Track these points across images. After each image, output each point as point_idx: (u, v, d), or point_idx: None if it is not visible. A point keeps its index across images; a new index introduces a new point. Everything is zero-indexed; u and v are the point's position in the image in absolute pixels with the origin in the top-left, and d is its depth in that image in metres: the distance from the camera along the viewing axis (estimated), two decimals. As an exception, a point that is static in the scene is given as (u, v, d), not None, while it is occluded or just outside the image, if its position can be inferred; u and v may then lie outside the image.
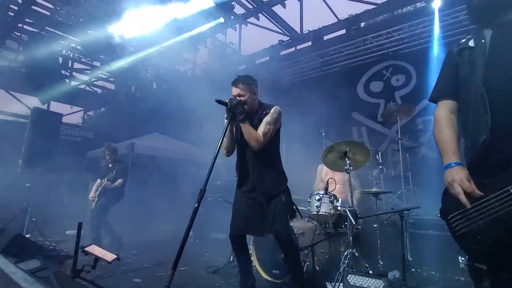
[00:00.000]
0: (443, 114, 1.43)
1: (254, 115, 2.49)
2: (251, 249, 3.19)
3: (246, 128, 2.34)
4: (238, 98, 2.39)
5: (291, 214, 2.57)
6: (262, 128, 2.38)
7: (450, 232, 1.33)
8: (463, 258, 2.95)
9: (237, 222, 2.50)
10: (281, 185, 2.56)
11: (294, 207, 2.62)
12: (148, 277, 3.25)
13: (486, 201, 1.18)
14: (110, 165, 4.96)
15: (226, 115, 2.35)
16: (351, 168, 3.26)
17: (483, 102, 1.25)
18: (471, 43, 1.37)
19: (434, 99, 1.50)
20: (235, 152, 2.61)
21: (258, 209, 2.45)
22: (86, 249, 2.76)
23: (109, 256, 2.73)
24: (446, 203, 1.35)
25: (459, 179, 1.24)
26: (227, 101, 2.30)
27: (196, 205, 1.95)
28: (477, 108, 1.27)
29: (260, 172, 2.47)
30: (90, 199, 4.79)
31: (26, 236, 4.22)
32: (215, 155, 2.13)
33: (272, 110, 2.45)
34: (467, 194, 1.21)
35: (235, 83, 2.45)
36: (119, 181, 4.78)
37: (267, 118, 2.41)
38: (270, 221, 2.41)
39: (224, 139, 2.35)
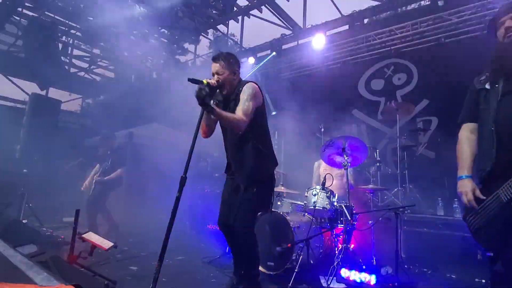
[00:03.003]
0: (464, 135, 1.80)
1: (231, 96, 2.32)
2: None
3: (218, 111, 2.09)
4: (216, 78, 2.22)
5: (260, 207, 2.41)
6: (240, 107, 2.17)
7: (469, 230, 1.70)
8: (479, 251, 3.10)
9: (221, 210, 2.44)
10: (266, 170, 2.36)
11: (272, 200, 2.46)
12: (144, 265, 3.28)
13: (484, 205, 1.58)
14: (108, 152, 4.94)
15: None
16: (349, 163, 3.28)
17: (491, 137, 1.58)
18: (487, 86, 1.68)
19: (459, 123, 1.87)
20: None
21: (236, 196, 2.32)
22: (83, 235, 2.78)
23: (106, 244, 2.76)
24: (465, 208, 1.72)
25: (465, 191, 1.65)
26: (203, 80, 2.08)
27: (177, 194, 1.87)
28: (488, 140, 1.61)
29: (241, 156, 2.31)
30: (85, 185, 4.79)
31: (23, 221, 4.24)
32: (193, 141, 2.01)
33: (244, 88, 2.26)
34: (475, 198, 1.60)
35: (215, 59, 2.27)
36: (119, 171, 4.77)
37: (242, 96, 2.22)
38: (235, 209, 2.25)
39: (202, 121, 2.18)
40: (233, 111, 2.22)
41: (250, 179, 2.27)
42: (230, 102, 2.32)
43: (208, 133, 2.40)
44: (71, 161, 5.97)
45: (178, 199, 1.87)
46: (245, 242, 2.27)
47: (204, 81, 2.06)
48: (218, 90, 2.26)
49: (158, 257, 1.81)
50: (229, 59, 2.30)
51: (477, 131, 1.74)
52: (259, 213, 2.56)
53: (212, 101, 2.14)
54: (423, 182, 4.67)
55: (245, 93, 2.23)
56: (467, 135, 1.78)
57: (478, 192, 1.60)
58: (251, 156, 2.28)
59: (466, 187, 1.64)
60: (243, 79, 2.44)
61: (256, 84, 2.33)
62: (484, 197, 1.57)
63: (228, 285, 2.47)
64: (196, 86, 2.04)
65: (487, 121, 1.62)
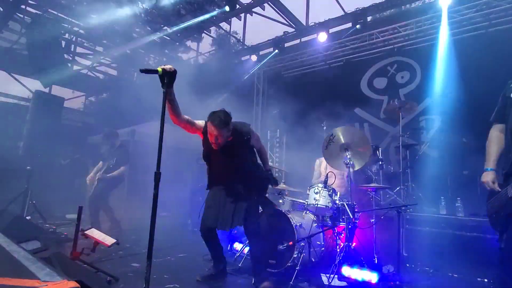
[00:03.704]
0: (493, 133, 2.12)
1: (236, 138, 2.67)
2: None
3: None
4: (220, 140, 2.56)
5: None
6: (258, 143, 2.91)
7: (487, 215, 2.07)
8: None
9: (209, 214, 2.81)
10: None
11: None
12: (146, 262, 3.29)
13: (498, 196, 1.95)
14: (111, 150, 4.95)
15: (161, 84, 2.01)
16: (351, 162, 3.27)
17: (510, 141, 1.95)
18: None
19: (490, 121, 2.16)
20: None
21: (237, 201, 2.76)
22: (86, 232, 2.80)
23: (108, 240, 2.77)
24: (487, 196, 2.07)
25: (486, 181, 2.02)
26: (157, 68, 1.99)
27: (154, 191, 1.82)
28: (508, 143, 1.98)
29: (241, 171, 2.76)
30: (89, 180, 4.81)
31: (27, 218, 4.27)
32: (160, 130, 2.01)
33: (255, 134, 2.85)
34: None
35: (220, 126, 2.48)
36: (122, 168, 4.79)
37: (258, 141, 2.90)
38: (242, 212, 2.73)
39: (167, 107, 2.28)
40: (237, 149, 2.68)
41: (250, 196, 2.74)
42: (235, 142, 2.68)
43: (177, 118, 2.49)
44: (68, 157, 5.99)
45: (155, 197, 1.81)
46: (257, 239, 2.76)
47: (159, 69, 1.98)
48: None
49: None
50: (228, 127, 2.54)
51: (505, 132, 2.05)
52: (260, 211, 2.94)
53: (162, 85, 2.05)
54: (425, 181, 4.65)
55: (257, 137, 2.88)
56: (496, 134, 2.09)
57: (495, 185, 1.97)
58: (248, 177, 2.78)
59: (488, 177, 2.00)
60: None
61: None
62: (499, 190, 1.94)
63: None
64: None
65: (509, 125, 1.97)
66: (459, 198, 3.77)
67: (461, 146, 4.53)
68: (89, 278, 2.23)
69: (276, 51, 7.34)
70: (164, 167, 1.85)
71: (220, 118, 2.48)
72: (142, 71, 1.96)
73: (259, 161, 2.98)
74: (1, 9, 6.38)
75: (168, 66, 2.02)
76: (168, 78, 1.98)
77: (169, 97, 2.20)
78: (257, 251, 2.77)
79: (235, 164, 2.72)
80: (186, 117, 2.57)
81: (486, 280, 3.04)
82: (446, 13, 5.17)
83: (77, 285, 1.15)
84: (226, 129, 2.53)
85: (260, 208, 2.97)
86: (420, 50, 5.80)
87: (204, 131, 2.63)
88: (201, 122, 2.68)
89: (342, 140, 3.37)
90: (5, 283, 1.15)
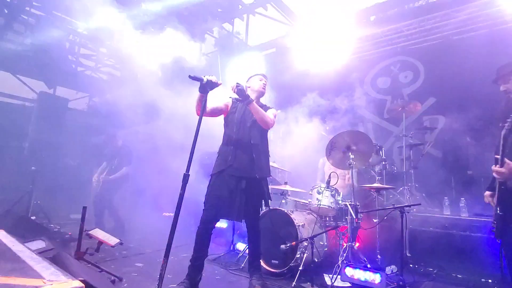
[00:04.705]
0: None
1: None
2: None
3: (256, 108, 2.58)
4: (261, 89, 2.90)
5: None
6: (270, 115, 2.75)
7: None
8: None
9: (218, 204, 2.72)
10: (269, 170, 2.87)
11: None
12: (149, 262, 3.32)
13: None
14: (114, 151, 5.00)
15: (201, 89, 2.38)
16: (354, 162, 3.26)
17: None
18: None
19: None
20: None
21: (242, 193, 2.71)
22: (90, 232, 2.82)
23: (112, 240, 2.79)
24: None
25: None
26: (203, 76, 2.36)
27: (180, 191, 1.93)
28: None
29: (255, 154, 2.69)
30: (94, 181, 4.85)
31: (32, 218, 4.31)
32: (195, 138, 2.11)
33: (272, 108, 2.92)
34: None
35: (265, 77, 3.01)
36: (124, 169, 4.83)
37: (271, 111, 2.85)
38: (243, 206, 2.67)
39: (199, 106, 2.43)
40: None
41: (262, 175, 2.68)
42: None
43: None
44: (77, 158, 6.03)
45: (181, 196, 1.91)
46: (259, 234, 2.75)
47: (204, 78, 2.32)
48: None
49: (163, 254, 1.83)
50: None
51: None
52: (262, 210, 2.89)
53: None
54: (429, 181, 4.63)
55: (272, 111, 2.85)
56: None
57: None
58: (263, 156, 2.76)
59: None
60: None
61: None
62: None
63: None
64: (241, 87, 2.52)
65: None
66: (463, 199, 3.75)
67: (465, 146, 4.50)
68: (93, 277, 2.24)
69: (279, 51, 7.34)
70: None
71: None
72: (191, 77, 2.31)
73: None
74: (6, 11, 6.44)
75: (213, 78, 2.37)
76: (209, 86, 2.35)
77: (203, 99, 2.38)
78: (256, 248, 2.75)
79: (251, 139, 2.71)
80: (209, 107, 2.64)
81: (490, 281, 3.02)
82: (450, 13, 5.13)
83: (82, 284, 1.16)
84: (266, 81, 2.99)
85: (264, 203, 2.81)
86: (423, 50, 5.77)
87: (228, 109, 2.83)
88: (222, 104, 2.79)
89: (345, 141, 3.36)
90: (11, 282, 1.17)
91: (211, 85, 2.35)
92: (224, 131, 2.82)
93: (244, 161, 2.64)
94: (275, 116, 2.81)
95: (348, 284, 2.76)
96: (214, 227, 2.69)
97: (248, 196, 2.62)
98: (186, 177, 1.96)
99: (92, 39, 8.62)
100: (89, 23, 7.02)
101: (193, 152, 2.04)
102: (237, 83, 2.53)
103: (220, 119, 2.89)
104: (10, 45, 7.89)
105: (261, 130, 2.76)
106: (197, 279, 2.50)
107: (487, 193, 2.39)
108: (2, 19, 6.61)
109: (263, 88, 2.91)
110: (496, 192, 2.16)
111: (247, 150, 2.67)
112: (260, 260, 2.84)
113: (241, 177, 2.62)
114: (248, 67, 7.75)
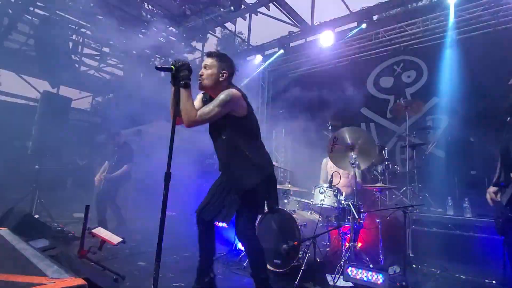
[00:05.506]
0: None
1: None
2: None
3: (184, 95, 1.98)
4: (201, 72, 2.19)
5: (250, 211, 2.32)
6: (203, 107, 2.11)
7: None
8: None
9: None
10: (252, 179, 2.18)
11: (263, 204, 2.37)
12: (152, 261, 3.26)
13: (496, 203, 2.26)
14: (115, 149, 5.04)
15: (172, 81, 1.97)
16: (357, 162, 3.25)
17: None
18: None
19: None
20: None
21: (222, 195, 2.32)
22: (93, 231, 2.83)
23: (115, 239, 2.80)
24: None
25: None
26: (170, 65, 1.94)
27: (164, 191, 1.79)
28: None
29: (227, 162, 2.28)
30: (96, 180, 4.88)
31: (35, 216, 4.33)
32: (172, 129, 1.91)
33: (221, 93, 2.12)
34: None
35: (209, 54, 2.24)
36: (125, 167, 4.85)
37: (215, 99, 2.11)
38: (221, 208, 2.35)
39: (171, 108, 2.03)
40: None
41: (235, 186, 2.23)
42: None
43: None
44: (83, 158, 6.06)
45: (165, 197, 1.77)
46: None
47: (172, 66, 1.94)
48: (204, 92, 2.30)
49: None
50: (221, 58, 2.22)
51: None
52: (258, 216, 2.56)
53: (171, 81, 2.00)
54: (432, 181, 4.61)
55: (218, 97, 2.10)
56: None
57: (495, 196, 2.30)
58: (236, 164, 2.22)
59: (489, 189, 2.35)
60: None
61: (240, 92, 2.19)
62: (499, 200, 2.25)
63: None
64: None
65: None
66: (466, 199, 3.72)
67: (469, 145, 4.47)
68: (96, 276, 2.26)
69: (282, 51, 7.32)
70: (171, 167, 1.85)
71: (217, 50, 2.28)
72: (158, 68, 1.98)
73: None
74: (10, 11, 6.48)
75: (184, 63, 1.93)
76: (180, 72, 1.92)
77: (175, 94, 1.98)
78: (249, 254, 2.35)
79: (221, 143, 2.26)
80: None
81: (494, 281, 3.00)
82: (454, 11, 5.10)
83: (85, 282, 1.17)
84: (212, 59, 2.19)
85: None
86: (427, 49, 5.74)
87: None
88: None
89: (348, 140, 3.35)
90: (15, 280, 1.17)
91: (180, 72, 1.92)
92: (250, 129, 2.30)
93: (220, 168, 2.44)
94: (218, 105, 2.08)
95: (351, 284, 2.75)
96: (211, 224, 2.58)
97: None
98: (167, 177, 1.81)
99: (95, 38, 8.66)
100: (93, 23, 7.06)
101: (172, 151, 1.89)
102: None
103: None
104: (14, 45, 7.95)
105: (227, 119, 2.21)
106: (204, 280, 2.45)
107: (492, 188, 2.31)
108: (6, 19, 6.64)
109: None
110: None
111: (221, 160, 2.38)
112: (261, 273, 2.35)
113: None
114: (250, 66, 7.78)
